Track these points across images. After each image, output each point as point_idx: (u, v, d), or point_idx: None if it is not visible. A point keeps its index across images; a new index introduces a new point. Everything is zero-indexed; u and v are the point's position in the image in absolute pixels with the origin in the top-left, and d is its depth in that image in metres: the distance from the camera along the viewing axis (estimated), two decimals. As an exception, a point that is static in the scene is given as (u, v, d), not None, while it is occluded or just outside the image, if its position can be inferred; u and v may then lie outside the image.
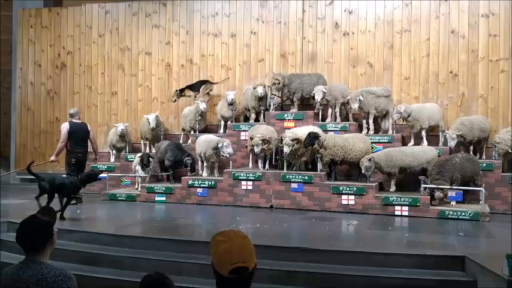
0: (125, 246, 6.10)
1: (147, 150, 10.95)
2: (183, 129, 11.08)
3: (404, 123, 9.29)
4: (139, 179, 9.84)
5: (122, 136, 10.97)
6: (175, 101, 11.47)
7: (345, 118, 10.07)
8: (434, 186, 7.83)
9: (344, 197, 8.33)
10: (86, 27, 12.61)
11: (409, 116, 8.95)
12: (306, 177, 8.61)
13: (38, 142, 12.87)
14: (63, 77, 12.76)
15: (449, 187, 7.80)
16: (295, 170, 9.04)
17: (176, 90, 11.38)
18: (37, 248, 2.80)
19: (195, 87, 11.30)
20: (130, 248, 6.03)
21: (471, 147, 9.05)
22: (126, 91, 12.31)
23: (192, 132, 10.76)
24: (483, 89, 9.77)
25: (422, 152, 8.52)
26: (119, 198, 9.58)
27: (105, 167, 10.76)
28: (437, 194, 7.80)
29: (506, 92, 9.61)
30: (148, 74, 12.15)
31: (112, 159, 11.27)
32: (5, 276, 2.75)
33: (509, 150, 8.43)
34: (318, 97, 9.54)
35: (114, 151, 11.25)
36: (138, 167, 9.75)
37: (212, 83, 11.32)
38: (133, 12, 12.24)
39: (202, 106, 10.52)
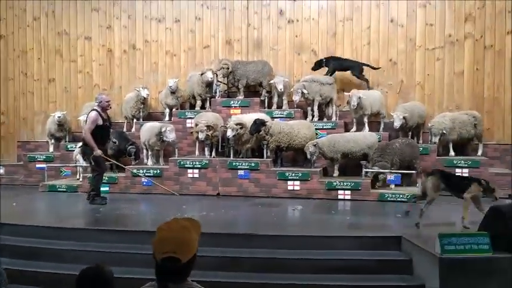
0: (66, 239, 5.89)
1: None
2: (126, 117, 10.78)
3: (348, 109, 9.53)
4: (81, 169, 9.49)
5: (61, 125, 10.51)
6: None
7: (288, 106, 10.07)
8: (375, 170, 8.15)
9: (290, 182, 8.46)
10: (20, 9, 11.89)
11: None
12: (253, 164, 8.65)
13: (-30, 131, 12.07)
14: (-5, 63, 12.00)
15: (388, 171, 8.14)
16: (242, 157, 9.07)
17: None
18: None
19: None
20: (72, 241, 5.83)
21: (409, 133, 9.45)
22: (65, 78, 11.76)
23: (134, 120, 10.49)
24: (420, 76, 10.18)
25: (363, 137, 8.80)
26: (59, 189, 9.23)
27: (44, 157, 10.31)
28: (382, 175, 8.16)
29: (441, 79, 10.06)
30: (89, 59, 11.66)
31: (51, 149, 10.78)
32: None
33: (444, 131, 8.80)
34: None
35: (52, 140, 10.79)
36: (79, 157, 9.35)
37: None
38: (70, -6, 11.67)
39: (145, 93, 10.26)
